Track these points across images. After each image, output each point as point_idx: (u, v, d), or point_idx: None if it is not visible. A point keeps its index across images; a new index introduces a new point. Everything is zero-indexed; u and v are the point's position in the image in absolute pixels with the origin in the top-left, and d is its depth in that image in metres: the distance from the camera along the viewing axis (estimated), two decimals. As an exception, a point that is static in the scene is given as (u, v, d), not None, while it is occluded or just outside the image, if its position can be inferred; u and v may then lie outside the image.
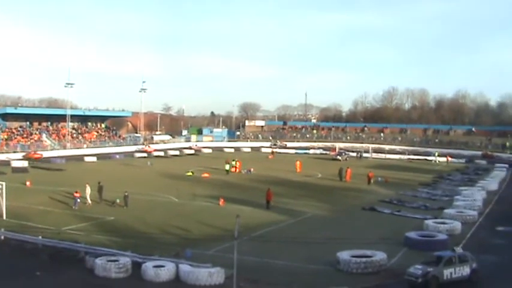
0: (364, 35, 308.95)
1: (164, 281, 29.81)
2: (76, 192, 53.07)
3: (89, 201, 54.06)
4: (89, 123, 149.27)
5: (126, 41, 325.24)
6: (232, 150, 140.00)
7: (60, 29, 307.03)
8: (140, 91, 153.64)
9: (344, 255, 33.69)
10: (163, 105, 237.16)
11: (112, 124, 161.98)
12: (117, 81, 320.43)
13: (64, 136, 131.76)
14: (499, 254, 38.95)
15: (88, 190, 54.67)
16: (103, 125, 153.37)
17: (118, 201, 53.78)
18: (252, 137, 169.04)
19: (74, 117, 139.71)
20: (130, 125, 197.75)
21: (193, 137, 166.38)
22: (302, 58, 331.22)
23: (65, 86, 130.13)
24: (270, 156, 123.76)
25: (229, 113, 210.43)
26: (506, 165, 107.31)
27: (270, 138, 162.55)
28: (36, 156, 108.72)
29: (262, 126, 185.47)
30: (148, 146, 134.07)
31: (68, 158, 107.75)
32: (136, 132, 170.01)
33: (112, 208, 52.47)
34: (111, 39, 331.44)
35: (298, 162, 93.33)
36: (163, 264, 30.74)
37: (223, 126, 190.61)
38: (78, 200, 52.51)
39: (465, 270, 31.26)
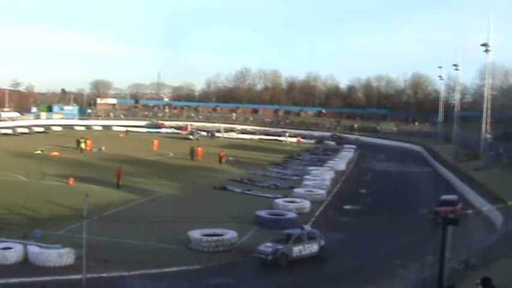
0: (218, 14, 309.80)
1: (12, 263, 29.09)
2: None
3: None
4: None
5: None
6: (83, 128, 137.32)
7: None
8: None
9: (195, 234, 34.22)
10: (12, 81, 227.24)
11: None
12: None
13: None
14: (345, 231, 40.82)
15: None
16: None
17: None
18: (104, 115, 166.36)
19: None
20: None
21: (43, 114, 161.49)
22: (155, 36, 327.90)
23: None
24: (121, 135, 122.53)
25: (81, 90, 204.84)
26: (354, 147, 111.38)
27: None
28: None
29: (114, 105, 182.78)
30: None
31: None
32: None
33: (-46, 188, 50.38)
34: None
35: (155, 141, 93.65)
36: (10, 246, 30.01)
37: (74, 104, 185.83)
38: None
39: (314, 247, 32.59)
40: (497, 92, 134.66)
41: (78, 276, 26.28)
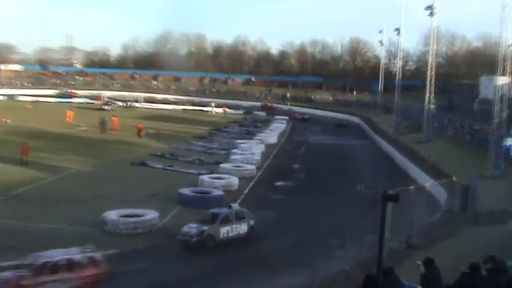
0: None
1: None
2: None
3: None
4: None
5: None
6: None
7: None
8: None
9: (111, 215, 33.97)
10: None
11: None
12: None
13: None
14: (277, 209, 41.06)
15: None
16: None
17: None
18: (7, 83, 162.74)
19: None
20: None
21: None
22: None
23: None
24: (27, 106, 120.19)
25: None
26: (287, 118, 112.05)
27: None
28: None
29: (18, 71, 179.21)
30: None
31: None
32: None
33: None
34: None
35: (70, 112, 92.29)
36: None
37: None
38: None
39: (242, 228, 32.76)
40: (442, 59, 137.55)
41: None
